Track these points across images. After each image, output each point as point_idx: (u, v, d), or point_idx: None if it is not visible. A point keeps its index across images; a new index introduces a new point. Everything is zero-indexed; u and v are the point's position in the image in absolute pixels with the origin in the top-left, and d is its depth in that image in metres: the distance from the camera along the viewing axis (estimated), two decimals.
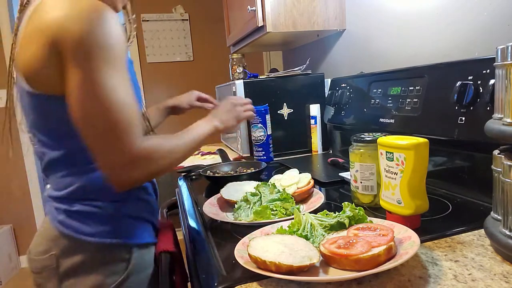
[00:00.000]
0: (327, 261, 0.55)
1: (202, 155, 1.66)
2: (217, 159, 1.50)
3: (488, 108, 0.73)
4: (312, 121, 1.48)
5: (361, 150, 0.80)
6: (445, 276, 0.51)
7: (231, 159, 1.42)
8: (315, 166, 1.29)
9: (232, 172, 1.21)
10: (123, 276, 0.77)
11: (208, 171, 1.19)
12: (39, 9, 0.67)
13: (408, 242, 0.55)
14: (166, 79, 3.24)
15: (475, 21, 0.90)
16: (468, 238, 0.62)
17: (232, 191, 0.90)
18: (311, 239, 0.60)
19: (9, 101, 0.78)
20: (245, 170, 1.19)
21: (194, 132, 0.84)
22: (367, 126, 1.14)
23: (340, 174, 1.06)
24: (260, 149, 1.41)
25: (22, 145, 2.93)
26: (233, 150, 1.68)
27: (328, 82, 1.51)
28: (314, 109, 1.46)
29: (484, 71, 0.75)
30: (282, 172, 1.00)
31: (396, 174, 0.66)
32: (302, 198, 0.88)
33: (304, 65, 1.52)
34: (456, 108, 0.80)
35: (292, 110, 1.51)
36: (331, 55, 1.69)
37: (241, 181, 1.01)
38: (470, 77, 0.78)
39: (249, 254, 0.54)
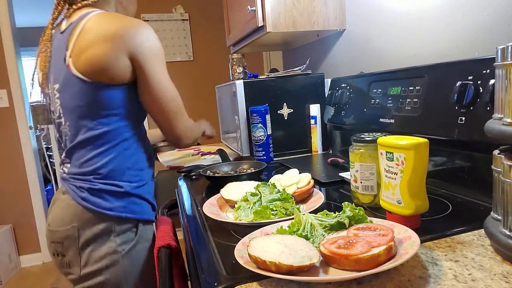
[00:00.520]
0: (327, 261, 0.55)
1: (202, 155, 1.66)
2: (217, 159, 1.50)
3: (488, 108, 0.73)
4: (312, 121, 1.48)
5: (361, 150, 0.80)
6: (445, 276, 0.51)
7: (231, 159, 1.42)
8: (315, 166, 1.29)
9: (232, 172, 1.21)
10: (131, 245, 0.94)
11: (208, 171, 1.19)
12: (95, 25, 0.88)
13: (408, 242, 0.55)
14: None
15: (475, 21, 0.90)
16: (468, 238, 0.62)
17: (232, 191, 0.90)
18: (311, 239, 0.60)
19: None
20: (245, 170, 1.19)
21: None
22: (367, 126, 1.14)
23: (340, 174, 1.06)
24: (260, 149, 1.41)
25: (22, 145, 2.94)
26: (233, 150, 1.68)
27: (328, 82, 1.51)
28: (314, 109, 1.46)
29: (484, 71, 0.75)
30: (282, 172, 1.00)
31: (396, 174, 0.66)
32: (302, 198, 0.88)
33: (304, 65, 1.52)
34: (456, 108, 0.80)
35: (292, 110, 1.51)
36: (331, 55, 1.69)
37: (241, 181, 1.01)
38: (470, 77, 0.78)
39: (249, 254, 0.54)
